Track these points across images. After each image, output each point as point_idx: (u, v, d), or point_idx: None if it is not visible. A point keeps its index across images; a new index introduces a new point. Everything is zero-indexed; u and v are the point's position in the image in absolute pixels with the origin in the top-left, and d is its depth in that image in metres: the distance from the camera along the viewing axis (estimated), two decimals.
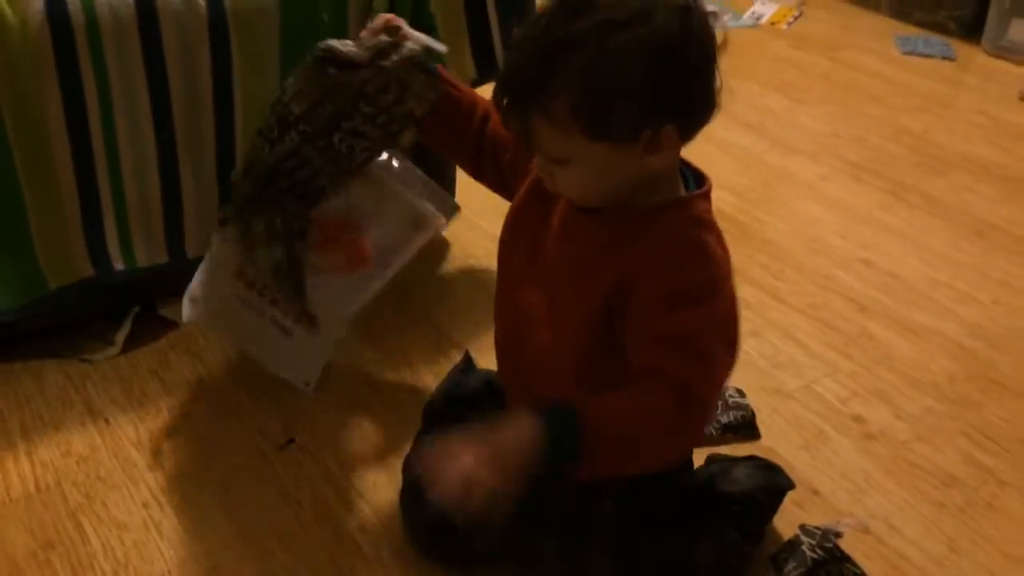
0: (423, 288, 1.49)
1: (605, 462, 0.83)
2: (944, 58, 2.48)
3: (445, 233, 1.61)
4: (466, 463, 0.77)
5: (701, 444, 0.84)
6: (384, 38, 1.01)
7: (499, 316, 1.01)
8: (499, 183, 1.06)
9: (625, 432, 0.83)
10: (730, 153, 1.94)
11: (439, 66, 1.05)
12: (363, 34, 1.04)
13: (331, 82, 1.01)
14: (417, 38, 1.02)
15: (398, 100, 1.01)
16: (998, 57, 2.49)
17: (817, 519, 1.09)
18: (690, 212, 0.88)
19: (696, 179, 0.92)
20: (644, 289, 0.85)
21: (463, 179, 1.53)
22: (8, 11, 1.08)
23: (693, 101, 0.82)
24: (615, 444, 0.83)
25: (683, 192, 0.90)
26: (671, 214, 0.88)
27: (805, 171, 1.88)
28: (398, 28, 1.01)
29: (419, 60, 1.01)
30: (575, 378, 0.91)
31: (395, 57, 1.00)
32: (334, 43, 1.02)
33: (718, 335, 0.86)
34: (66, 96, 1.15)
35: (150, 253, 1.30)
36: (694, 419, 0.85)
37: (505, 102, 0.84)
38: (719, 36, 0.85)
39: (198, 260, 1.34)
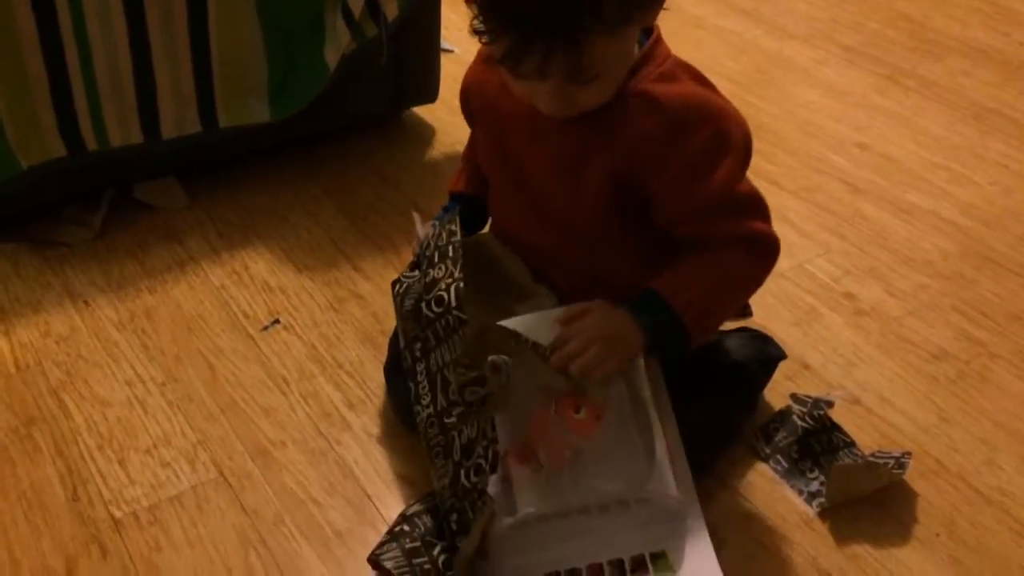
0: (409, 174, 1.45)
1: (701, 336, 0.87)
2: None
3: (428, 118, 1.56)
4: (599, 342, 0.83)
5: None
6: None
7: (499, 215, 1.00)
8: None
9: (714, 301, 0.87)
10: (723, 38, 1.88)
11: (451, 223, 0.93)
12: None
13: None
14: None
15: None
16: None
17: (808, 392, 1.08)
18: (658, 67, 0.84)
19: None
20: (659, 171, 0.83)
21: (446, 69, 1.48)
22: None
23: None
24: (708, 316, 0.87)
25: (636, 49, 0.84)
26: (644, 82, 0.83)
27: (800, 56, 1.83)
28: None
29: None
30: (589, 267, 0.92)
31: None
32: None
33: (744, 172, 0.86)
34: None
35: (124, 133, 1.25)
36: (769, 261, 0.88)
37: (543, 44, 0.73)
38: None
39: (173, 141, 1.30)
